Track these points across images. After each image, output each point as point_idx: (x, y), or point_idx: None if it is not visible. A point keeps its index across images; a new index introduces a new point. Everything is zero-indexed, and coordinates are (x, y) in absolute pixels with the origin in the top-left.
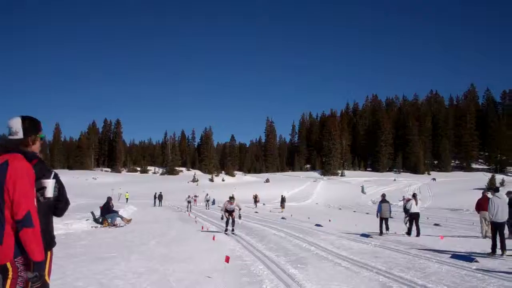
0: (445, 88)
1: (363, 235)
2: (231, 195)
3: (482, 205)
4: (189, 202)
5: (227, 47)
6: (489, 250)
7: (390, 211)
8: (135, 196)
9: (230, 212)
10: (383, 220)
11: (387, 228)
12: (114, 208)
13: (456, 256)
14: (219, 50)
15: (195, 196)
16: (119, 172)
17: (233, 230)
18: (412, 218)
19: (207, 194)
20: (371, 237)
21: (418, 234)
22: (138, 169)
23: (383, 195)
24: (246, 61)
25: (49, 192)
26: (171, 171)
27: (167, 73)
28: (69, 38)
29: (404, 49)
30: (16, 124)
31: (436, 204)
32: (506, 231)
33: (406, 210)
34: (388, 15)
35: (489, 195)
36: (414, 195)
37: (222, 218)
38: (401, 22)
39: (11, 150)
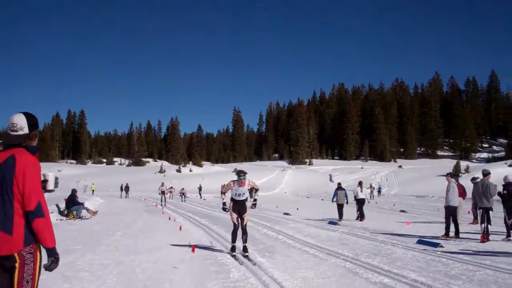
0: (410, 76)
1: (331, 222)
2: (239, 170)
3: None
4: (163, 192)
5: (193, 38)
6: (453, 235)
7: (346, 198)
8: (101, 188)
9: (239, 208)
10: (339, 206)
11: (342, 214)
12: (80, 200)
13: (421, 241)
14: (184, 40)
15: (171, 188)
16: (85, 163)
17: (245, 248)
18: (359, 203)
19: (183, 188)
20: (339, 225)
21: (362, 219)
22: (104, 160)
23: (339, 184)
24: (211, 50)
25: (51, 185)
26: (137, 162)
27: (132, 63)
28: (29, 26)
29: (369, 38)
30: (22, 120)
31: (402, 191)
32: (471, 216)
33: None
34: (353, 4)
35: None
36: (360, 183)
37: (225, 210)
38: (366, 11)
39: (15, 145)
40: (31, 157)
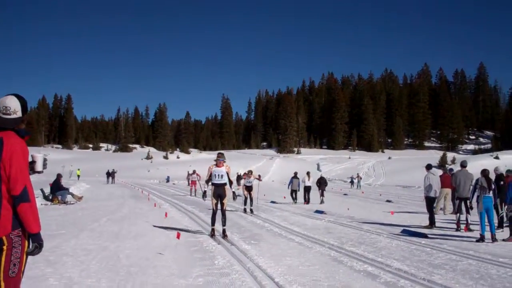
0: (399, 67)
1: (317, 211)
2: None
3: (443, 182)
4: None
5: (181, 23)
6: (443, 225)
7: (299, 185)
8: (87, 173)
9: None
10: (293, 191)
11: (296, 198)
12: (65, 185)
13: (406, 231)
14: (173, 25)
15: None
16: (71, 148)
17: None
18: (305, 190)
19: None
20: (325, 213)
21: (308, 203)
22: (90, 146)
23: (295, 173)
24: (199, 36)
25: (39, 166)
26: (124, 148)
27: (120, 48)
28: (15, 8)
29: (359, 27)
30: (15, 104)
31: (389, 181)
32: (450, 207)
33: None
34: None
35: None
36: (308, 173)
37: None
38: (357, 1)
39: (4, 128)
40: (19, 140)
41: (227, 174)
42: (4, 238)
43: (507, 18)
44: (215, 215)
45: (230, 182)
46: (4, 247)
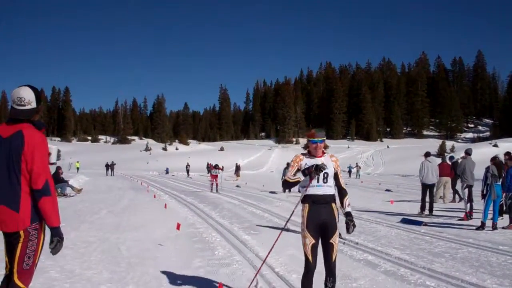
0: (397, 56)
1: None
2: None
3: (441, 171)
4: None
5: (179, 14)
6: (427, 212)
7: None
8: (86, 165)
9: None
10: None
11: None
12: (64, 178)
13: (405, 220)
14: (170, 16)
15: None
16: (70, 141)
17: None
18: None
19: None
20: None
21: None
22: (89, 138)
23: (288, 163)
24: (197, 27)
25: (53, 158)
26: (123, 140)
27: (118, 39)
28: (12, 2)
29: (357, 16)
30: (29, 94)
31: (388, 170)
32: (450, 196)
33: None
34: None
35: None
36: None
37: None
38: None
39: (21, 120)
40: (39, 134)
41: (337, 175)
42: (21, 231)
43: (505, 6)
44: (312, 276)
45: (342, 195)
46: (21, 240)
